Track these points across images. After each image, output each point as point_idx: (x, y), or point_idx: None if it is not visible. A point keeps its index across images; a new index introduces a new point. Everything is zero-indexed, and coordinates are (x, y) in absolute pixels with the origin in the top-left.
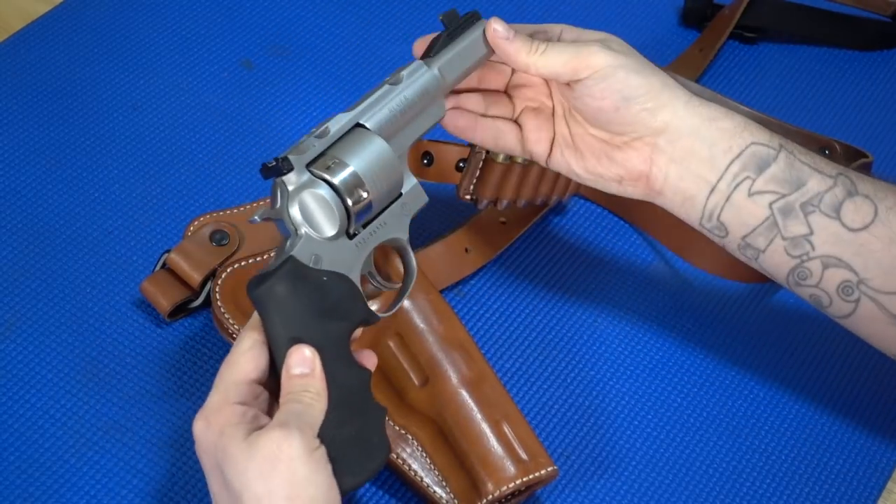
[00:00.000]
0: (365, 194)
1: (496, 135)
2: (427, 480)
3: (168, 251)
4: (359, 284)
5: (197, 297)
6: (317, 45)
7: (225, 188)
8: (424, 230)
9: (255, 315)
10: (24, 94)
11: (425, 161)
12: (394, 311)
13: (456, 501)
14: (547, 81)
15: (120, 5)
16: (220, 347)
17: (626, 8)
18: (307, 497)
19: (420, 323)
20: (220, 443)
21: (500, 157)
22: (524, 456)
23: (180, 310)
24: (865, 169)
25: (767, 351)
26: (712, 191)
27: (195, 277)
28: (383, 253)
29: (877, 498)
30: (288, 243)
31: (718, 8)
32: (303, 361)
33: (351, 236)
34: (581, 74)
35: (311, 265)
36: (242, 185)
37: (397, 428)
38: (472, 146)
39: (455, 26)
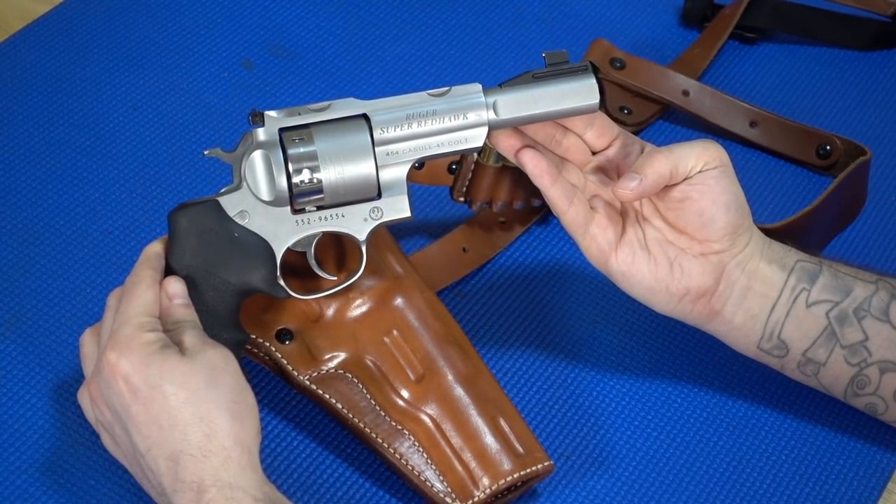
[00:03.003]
0: (315, 178)
1: (572, 199)
2: (424, 475)
3: None
4: (279, 256)
5: None
6: (317, 45)
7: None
8: (423, 230)
9: (153, 248)
10: (24, 94)
11: (416, 164)
12: (308, 297)
13: (453, 496)
14: None
15: (120, 5)
16: None
17: (626, 8)
18: (246, 405)
19: (415, 320)
20: (152, 365)
21: (492, 160)
22: (520, 450)
23: None
24: (864, 166)
25: None
26: (774, 307)
27: None
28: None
29: (877, 498)
30: (224, 188)
31: (718, 8)
32: (184, 293)
33: (296, 211)
34: (710, 164)
35: (232, 216)
36: None
37: (394, 423)
38: None
39: (555, 70)
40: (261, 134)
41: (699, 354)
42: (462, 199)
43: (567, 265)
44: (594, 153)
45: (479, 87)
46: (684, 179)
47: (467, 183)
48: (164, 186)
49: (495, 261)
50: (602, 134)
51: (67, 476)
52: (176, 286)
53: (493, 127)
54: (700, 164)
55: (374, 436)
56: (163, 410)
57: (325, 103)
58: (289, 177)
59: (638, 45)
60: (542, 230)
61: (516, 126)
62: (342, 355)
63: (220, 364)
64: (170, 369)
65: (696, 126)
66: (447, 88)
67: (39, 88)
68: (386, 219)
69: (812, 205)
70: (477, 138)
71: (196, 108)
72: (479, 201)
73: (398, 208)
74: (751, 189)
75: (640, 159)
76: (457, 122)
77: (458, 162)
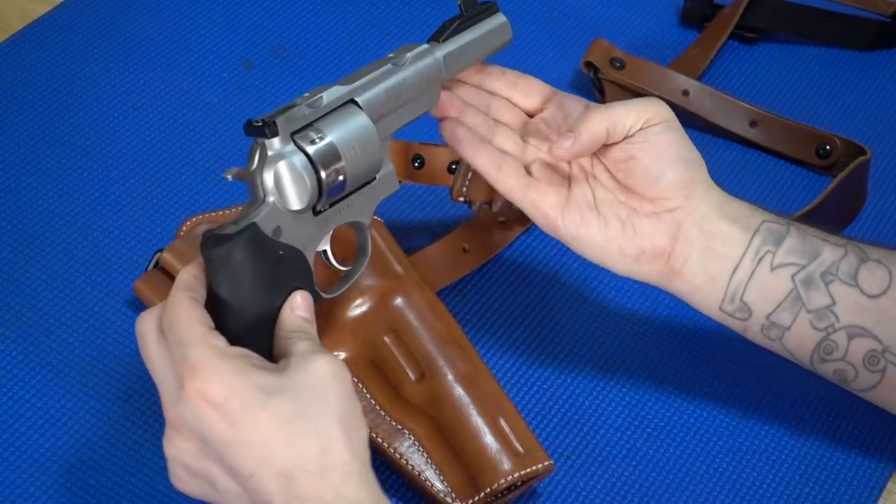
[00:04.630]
0: (341, 175)
1: (500, 165)
2: (425, 475)
3: (161, 251)
4: (312, 262)
5: None
6: (317, 46)
7: (225, 189)
8: (423, 230)
9: (187, 273)
10: (24, 94)
11: (416, 164)
12: (339, 293)
13: (453, 495)
14: None
15: (120, 5)
16: None
17: (626, 8)
18: (357, 415)
19: (414, 320)
20: (248, 384)
21: None
22: (520, 450)
23: None
24: (864, 166)
25: (767, 350)
26: (736, 268)
27: None
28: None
29: (877, 498)
30: (253, 209)
31: (718, 8)
32: (309, 308)
33: (316, 213)
34: (652, 121)
35: (270, 235)
36: (243, 185)
37: (394, 423)
38: None
39: (472, 14)
40: (276, 143)
41: (699, 354)
42: (462, 199)
43: (567, 265)
44: (531, 115)
45: (426, 46)
46: (625, 138)
47: (467, 183)
48: (164, 186)
49: (495, 261)
50: (528, 94)
51: (67, 476)
52: (302, 300)
53: (443, 84)
54: (640, 122)
55: (374, 436)
56: (268, 429)
57: (316, 95)
58: (318, 178)
59: (638, 45)
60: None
61: (455, 78)
62: (342, 355)
63: (330, 373)
64: (269, 385)
65: (696, 126)
66: (401, 52)
67: (39, 88)
68: (382, 196)
69: (812, 205)
70: (436, 98)
71: (196, 108)
72: (479, 201)
73: (389, 182)
74: (751, 189)
75: (578, 118)
76: (423, 86)
77: (457, 162)
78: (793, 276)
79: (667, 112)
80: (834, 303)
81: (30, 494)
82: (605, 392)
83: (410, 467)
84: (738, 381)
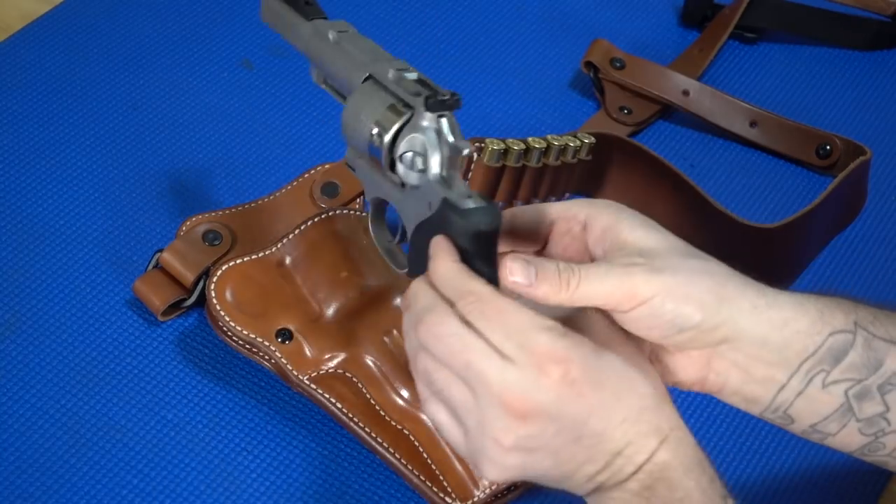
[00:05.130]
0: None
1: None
2: (424, 475)
3: (160, 251)
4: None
5: (189, 297)
6: None
7: (225, 189)
8: None
9: (455, 271)
10: (24, 94)
11: None
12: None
13: (453, 496)
14: None
15: (120, 5)
16: (217, 346)
17: (626, 8)
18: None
19: None
20: (587, 356)
21: (492, 160)
22: None
23: (174, 308)
24: (864, 166)
25: None
26: (781, 389)
27: (188, 277)
28: None
29: (877, 498)
30: (457, 179)
31: (718, 8)
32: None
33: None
34: (624, 307)
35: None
36: (243, 185)
37: (394, 423)
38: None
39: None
40: (427, 118)
41: None
42: None
43: None
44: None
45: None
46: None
47: (467, 183)
48: (164, 186)
49: None
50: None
51: (68, 476)
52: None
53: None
54: (611, 307)
55: (374, 436)
56: (612, 386)
57: (405, 65)
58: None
59: (638, 45)
60: None
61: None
62: (342, 355)
63: (605, 319)
64: (594, 347)
65: (696, 126)
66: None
67: (39, 88)
68: None
69: (812, 205)
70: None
71: (196, 108)
72: None
73: None
74: (751, 189)
75: (569, 275)
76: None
77: None
78: (846, 391)
79: (646, 290)
80: (887, 409)
81: (29, 494)
82: None
83: (409, 468)
84: None
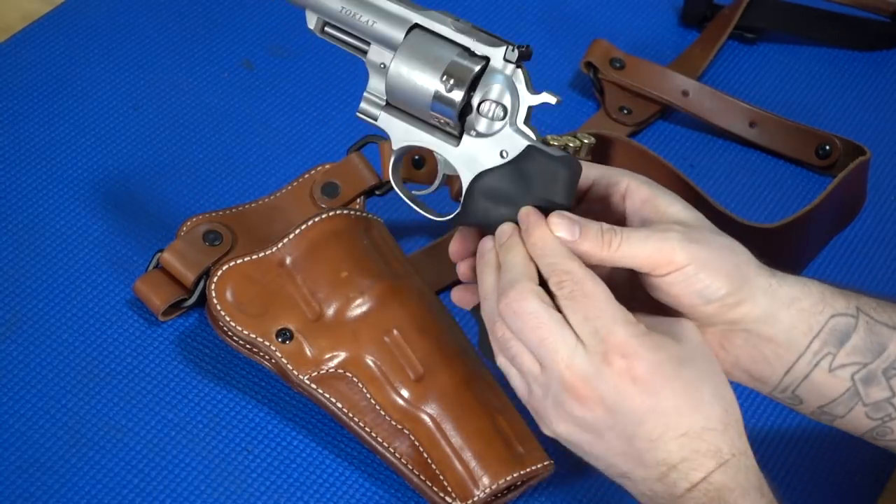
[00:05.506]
0: None
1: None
2: (424, 475)
3: (161, 251)
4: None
5: (190, 297)
6: (317, 45)
7: (226, 189)
8: (423, 230)
9: (546, 237)
10: (24, 94)
11: (416, 164)
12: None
13: (453, 495)
14: None
15: (120, 5)
16: (218, 346)
17: (626, 8)
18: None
19: (415, 320)
20: (662, 361)
21: None
22: (520, 450)
23: (174, 308)
24: (864, 166)
25: None
26: (788, 371)
27: (189, 277)
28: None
29: (877, 498)
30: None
31: (718, 8)
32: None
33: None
34: (660, 271)
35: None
36: (243, 185)
37: (394, 423)
38: None
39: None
40: (507, 68)
41: None
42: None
43: None
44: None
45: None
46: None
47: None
48: (164, 186)
49: None
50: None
51: (68, 476)
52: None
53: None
54: (647, 269)
55: (374, 435)
56: (680, 397)
57: (458, 19)
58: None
59: (638, 45)
60: None
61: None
62: (342, 355)
63: (700, 336)
64: (676, 355)
65: (695, 126)
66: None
67: (39, 88)
68: None
69: (811, 205)
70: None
71: (196, 107)
72: None
73: None
74: (751, 189)
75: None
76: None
77: None
78: (853, 375)
79: (681, 258)
80: (893, 395)
81: (30, 494)
82: None
83: (409, 467)
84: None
